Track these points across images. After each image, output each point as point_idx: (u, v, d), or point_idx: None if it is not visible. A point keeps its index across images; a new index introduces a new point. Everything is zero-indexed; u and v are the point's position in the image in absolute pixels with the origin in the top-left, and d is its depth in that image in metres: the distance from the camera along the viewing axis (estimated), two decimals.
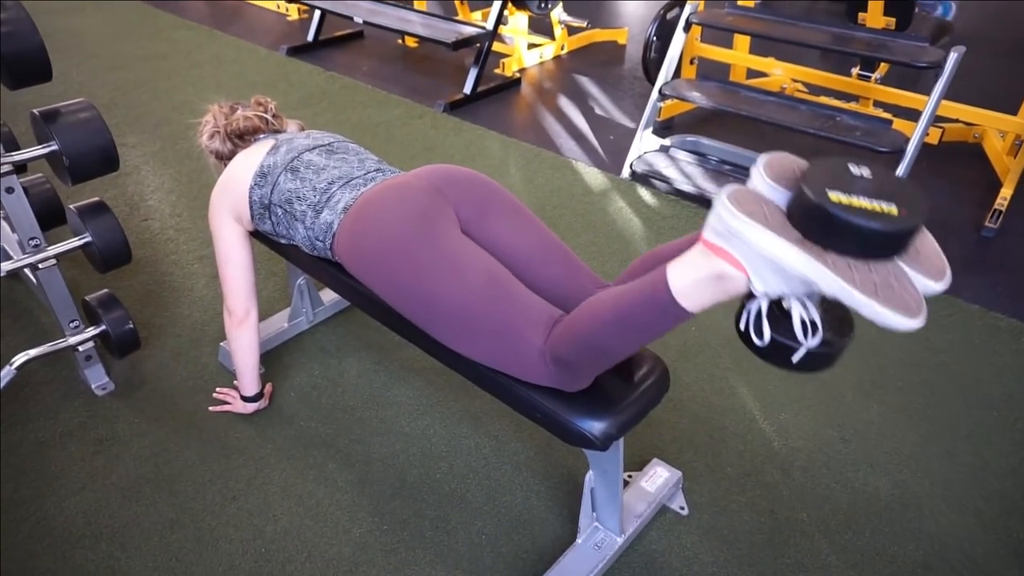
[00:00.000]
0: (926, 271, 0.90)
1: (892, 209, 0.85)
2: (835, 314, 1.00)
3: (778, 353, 0.99)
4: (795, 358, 0.98)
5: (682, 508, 1.58)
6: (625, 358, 1.20)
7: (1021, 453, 1.72)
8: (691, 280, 0.99)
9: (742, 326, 1.03)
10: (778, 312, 0.99)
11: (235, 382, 1.81)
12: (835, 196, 0.86)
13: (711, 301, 1.00)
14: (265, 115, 1.70)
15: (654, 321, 1.06)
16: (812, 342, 0.96)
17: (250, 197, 1.56)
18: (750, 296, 1.00)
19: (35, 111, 1.59)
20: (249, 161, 1.59)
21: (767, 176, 0.96)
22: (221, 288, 1.69)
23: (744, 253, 0.93)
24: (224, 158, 1.71)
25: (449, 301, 1.27)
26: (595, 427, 1.21)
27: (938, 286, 0.90)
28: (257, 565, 1.47)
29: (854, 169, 0.91)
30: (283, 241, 1.61)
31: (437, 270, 1.27)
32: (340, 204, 1.44)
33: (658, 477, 1.59)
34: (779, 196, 0.95)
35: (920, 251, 0.92)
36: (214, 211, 1.63)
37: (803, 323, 0.96)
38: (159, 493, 1.61)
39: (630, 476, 1.60)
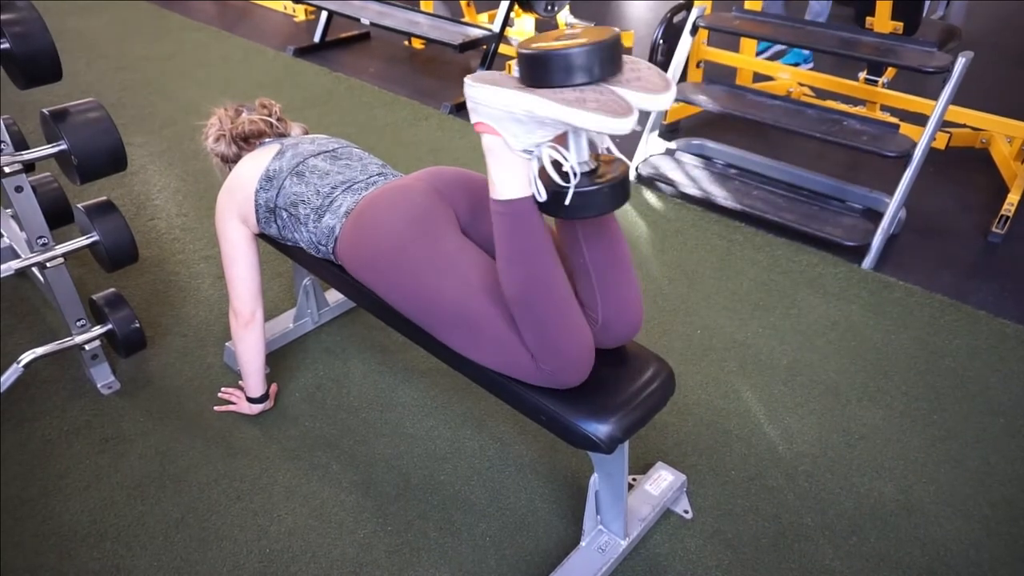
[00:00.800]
0: (648, 89, 1.03)
1: (580, 41, 1.01)
2: (608, 166, 1.15)
3: (557, 202, 1.11)
4: (567, 200, 1.10)
5: (686, 512, 1.58)
6: (559, 301, 1.18)
7: None
8: (489, 175, 1.14)
9: (530, 195, 1.15)
10: (545, 172, 1.12)
11: (240, 382, 1.82)
12: (536, 45, 1.03)
13: (511, 180, 1.13)
14: (270, 118, 1.71)
15: (514, 233, 1.16)
16: (574, 182, 1.09)
17: (256, 200, 1.57)
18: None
19: (44, 110, 1.60)
20: (255, 165, 1.59)
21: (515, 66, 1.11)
22: (227, 290, 1.69)
23: (489, 116, 1.09)
24: (229, 161, 1.72)
25: (449, 303, 1.27)
26: (600, 430, 1.21)
27: (662, 96, 1.03)
28: (262, 565, 1.47)
29: (568, 31, 1.08)
30: (289, 244, 1.61)
31: (436, 273, 1.28)
32: (342, 208, 1.44)
33: (662, 480, 1.59)
34: None
35: (642, 77, 1.05)
36: (220, 213, 1.64)
37: (562, 170, 1.10)
38: (164, 492, 1.62)
39: (634, 479, 1.60)
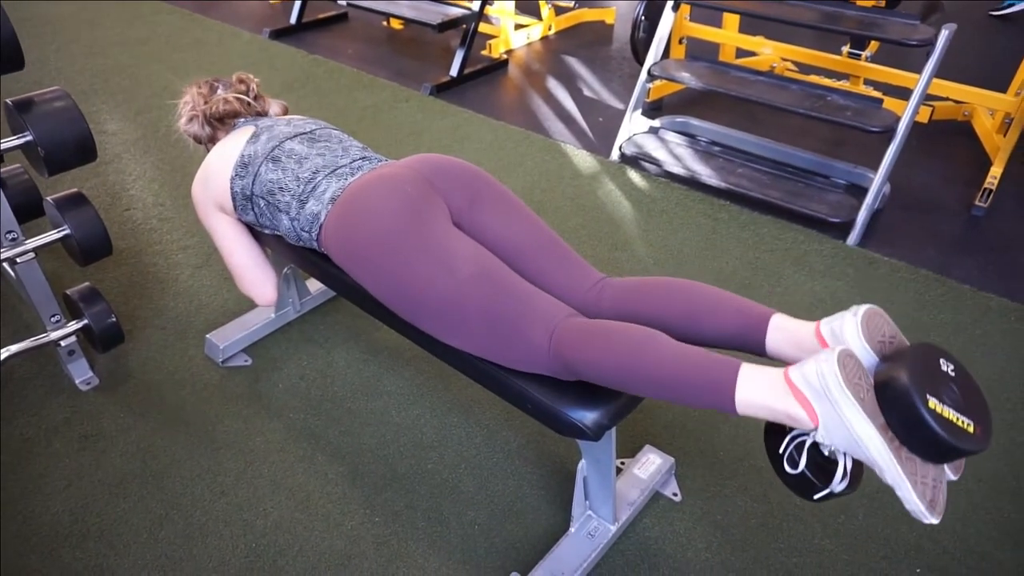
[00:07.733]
0: (951, 466, 1.01)
1: (971, 427, 0.93)
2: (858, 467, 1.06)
3: (800, 485, 1.05)
4: (817, 496, 1.04)
5: (675, 494, 1.57)
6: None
7: (1011, 433, 1.73)
8: (760, 403, 1.03)
9: (781, 450, 1.07)
10: (814, 452, 1.04)
11: None
12: (932, 403, 0.92)
13: (763, 418, 1.05)
14: (246, 96, 1.66)
15: (695, 400, 1.08)
16: (839, 488, 1.02)
17: (231, 188, 1.53)
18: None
19: (8, 100, 1.55)
20: (228, 151, 1.55)
21: (863, 335, 1.03)
22: (234, 281, 1.68)
23: (826, 413, 0.97)
24: (204, 142, 1.68)
25: (439, 296, 1.24)
26: (587, 417, 1.20)
27: (954, 478, 1.01)
28: (248, 560, 1.45)
29: (943, 365, 0.98)
30: (267, 232, 1.58)
31: (426, 265, 1.25)
32: (327, 194, 1.40)
33: (651, 464, 1.59)
34: (869, 360, 1.03)
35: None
36: (200, 207, 1.60)
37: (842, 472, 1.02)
38: (147, 489, 1.59)
39: (623, 463, 1.59)
